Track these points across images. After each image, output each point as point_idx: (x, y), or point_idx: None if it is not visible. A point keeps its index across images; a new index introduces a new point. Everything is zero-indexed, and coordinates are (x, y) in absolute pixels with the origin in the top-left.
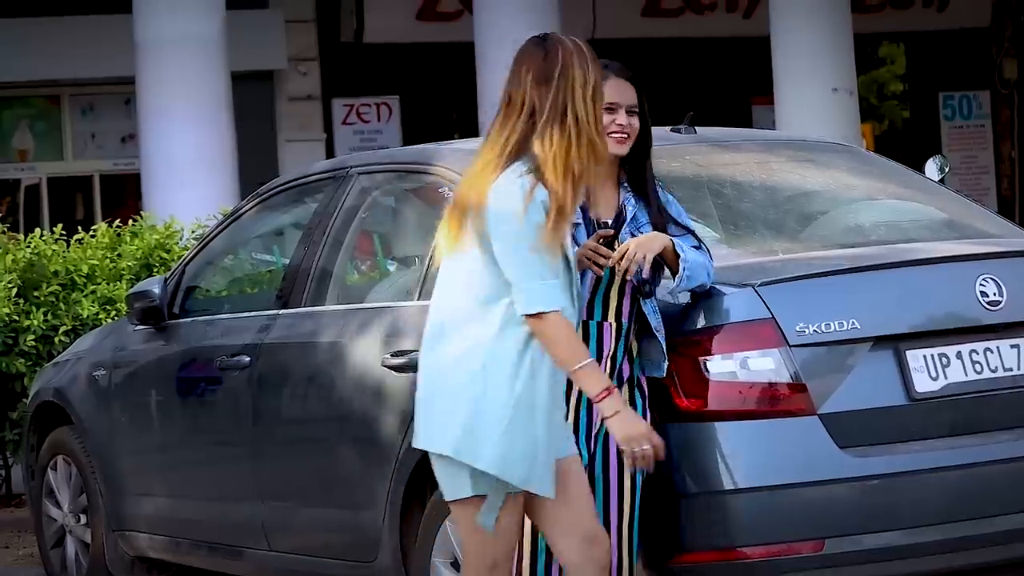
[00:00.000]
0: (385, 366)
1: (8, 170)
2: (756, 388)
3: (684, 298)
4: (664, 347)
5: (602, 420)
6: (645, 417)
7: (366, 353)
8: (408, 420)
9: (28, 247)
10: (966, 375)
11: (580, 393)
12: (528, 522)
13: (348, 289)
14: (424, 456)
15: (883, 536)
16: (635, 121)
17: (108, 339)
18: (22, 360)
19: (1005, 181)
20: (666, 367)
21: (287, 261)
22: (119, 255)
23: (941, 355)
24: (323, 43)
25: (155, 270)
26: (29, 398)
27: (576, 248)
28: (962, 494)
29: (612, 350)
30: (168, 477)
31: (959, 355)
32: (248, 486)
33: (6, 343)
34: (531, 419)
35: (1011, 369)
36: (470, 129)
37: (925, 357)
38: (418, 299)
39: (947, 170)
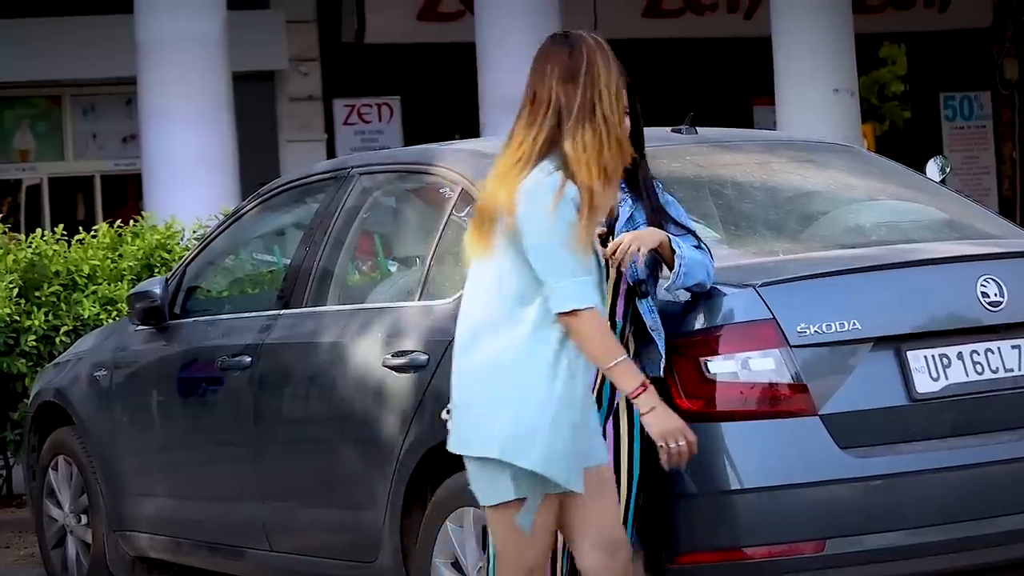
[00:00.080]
0: (386, 366)
1: (9, 170)
2: (757, 388)
3: (685, 297)
4: (661, 346)
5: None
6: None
7: (367, 353)
8: (409, 420)
9: (29, 247)
10: (967, 376)
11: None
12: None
13: (349, 289)
14: (424, 456)
15: (884, 536)
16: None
17: (109, 339)
18: (23, 360)
19: (1006, 182)
20: (663, 366)
21: (288, 261)
22: (120, 255)
23: (942, 356)
24: (324, 43)
25: (156, 270)
26: (30, 398)
27: None
28: (963, 495)
29: None
30: (169, 477)
31: (960, 356)
32: (249, 486)
33: (7, 343)
34: (572, 418)
35: (1012, 370)
36: (471, 129)
37: (926, 358)
38: (419, 300)
39: (948, 171)
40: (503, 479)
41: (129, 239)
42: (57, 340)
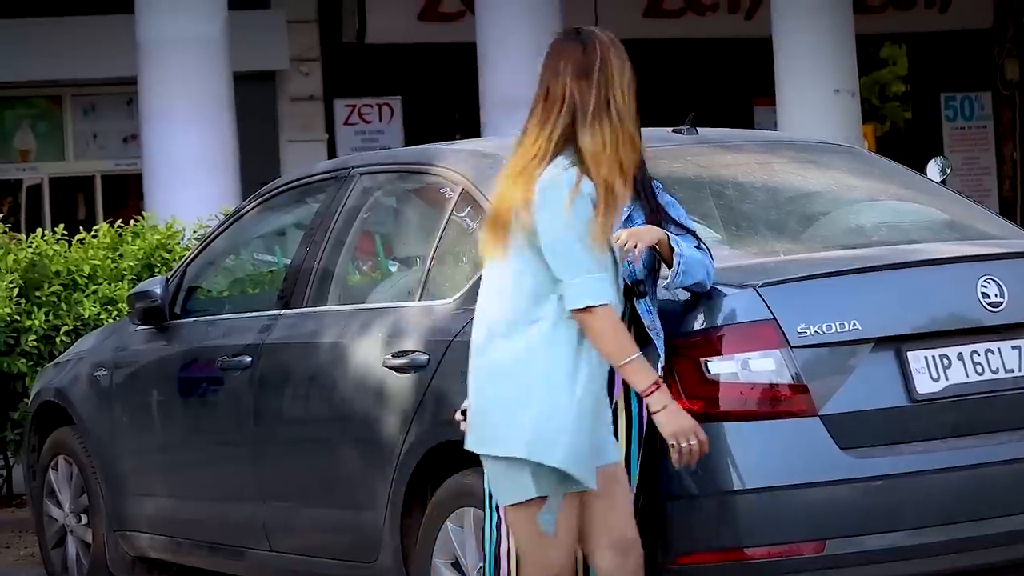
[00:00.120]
0: (386, 367)
1: (10, 170)
2: (757, 389)
3: (684, 297)
4: (660, 347)
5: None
6: (643, 416)
7: (367, 353)
8: (409, 420)
9: (30, 247)
10: (967, 376)
11: None
12: None
13: (350, 289)
14: (425, 457)
15: (885, 537)
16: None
17: (109, 339)
18: (23, 360)
19: (1007, 182)
20: (662, 366)
21: (288, 261)
22: (121, 255)
23: (942, 356)
24: (325, 43)
25: (156, 270)
26: (30, 398)
27: None
28: (964, 495)
29: None
30: (169, 477)
31: (960, 356)
32: (249, 486)
33: (8, 343)
34: (592, 415)
35: (1012, 370)
36: (472, 129)
37: (926, 358)
38: (419, 300)
39: (948, 171)
40: (524, 477)
41: (129, 239)
42: (57, 340)
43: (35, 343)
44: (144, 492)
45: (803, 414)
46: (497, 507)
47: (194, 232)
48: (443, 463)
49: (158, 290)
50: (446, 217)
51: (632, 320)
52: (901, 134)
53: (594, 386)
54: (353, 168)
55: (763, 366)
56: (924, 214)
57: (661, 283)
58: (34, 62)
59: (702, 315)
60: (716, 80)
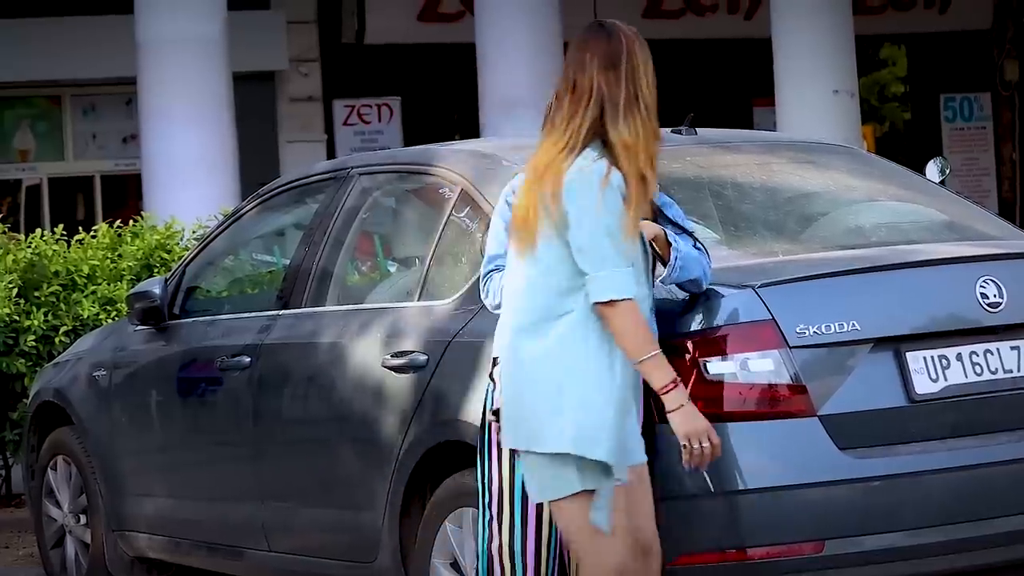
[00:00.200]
0: (385, 367)
1: (9, 170)
2: (756, 389)
3: (682, 296)
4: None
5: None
6: (641, 416)
7: (366, 354)
8: (408, 421)
9: (29, 247)
10: (966, 377)
11: None
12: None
13: (349, 290)
14: (424, 457)
15: (884, 537)
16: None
17: (108, 339)
18: (22, 360)
19: (1006, 183)
20: None
21: (288, 262)
22: (120, 255)
23: (941, 357)
24: (324, 44)
25: (156, 270)
26: (29, 398)
27: None
28: (962, 496)
29: None
30: (168, 477)
31: (959, 357)
32: (248, 487)
33: (7, 343)
34: (629, 406)
35: (1011, 371)
36: (471, 130)
37: (925, 359)
38: (418, 300)
39: (948, 172)
40: (567, 471)
41: (129, 239)
42: (56, 340)
43: (34, 343)
44: (143, 492)
45: (802, 414)
46: (524, 502)
47: (193, 232)
48: (442, 463)
49: (157, 290)
50: (445, 217)
51: None
52: (900, 135)
53: (631, 379)
54: (352, 168)
55: (762, 366)
56: (923, 215)
57: (659, 284)
58: (34, 62)
59: (701, 315)
60: (715, 81)
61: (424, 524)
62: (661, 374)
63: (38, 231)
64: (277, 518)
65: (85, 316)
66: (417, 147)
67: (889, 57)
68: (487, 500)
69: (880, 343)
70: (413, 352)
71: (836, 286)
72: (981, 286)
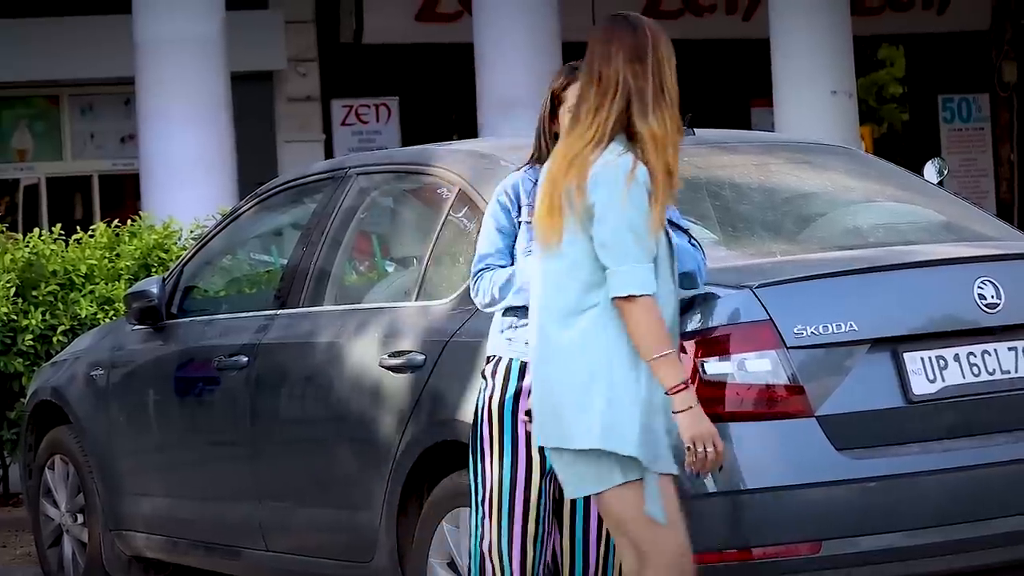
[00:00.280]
0: (383, 366)
1: (7, 170)
2: (753, 390)
3: (681, 296)
4: None
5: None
6: None
7: (364, 353)
8: (405, 420)
9: (27, 247)
10: (964, 377)
11: None
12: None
13: (346, 289)
14: (421, 456)
15: (881, 538)
16: None
17: (106, 339)
18: (20, 359)
19: (1004, 184)
20: None
21: (285, 261)
22: (117, 255)
23: (939, 357)
24: (322, 44)
25: (153, 270)
26: (27, 397)
27: None
28: (960, 496)
29: None
30: (165, 477)
31: (957, 357)
32: (245, 486)
33: (4, 342)
34: (657, 401)
35: (1009, 371)
36: (469, 130)
37: (923, 359)
38: (416, 300)
39: (946, 173)
40: (608, 464)
41: (127, 239)
42: (54, 339)
43: (32, 342)
44: (140, 491)
45: (799, 415)
46: (512, 500)
47: (191, 232)
48: (439, 463)
49: (155, 290)
50: (443, 217)
51: None
52: (898, 136)
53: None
54: (350, 168)
55: (759, 367)
56: (921, 215)
57: None
58: (32, 62)
59: (698, 315)
60: (713, 81)
61: (421, 524)
62: (673, 373)
63: (36, 230)
64: (274, 518)
65: (83, 315)
66: (415, 147)
67: (887, 58)
68: (479, 498)
69: (878, 344)
70: (410, 352)
71: (834, 287)
72: (979, 287)
